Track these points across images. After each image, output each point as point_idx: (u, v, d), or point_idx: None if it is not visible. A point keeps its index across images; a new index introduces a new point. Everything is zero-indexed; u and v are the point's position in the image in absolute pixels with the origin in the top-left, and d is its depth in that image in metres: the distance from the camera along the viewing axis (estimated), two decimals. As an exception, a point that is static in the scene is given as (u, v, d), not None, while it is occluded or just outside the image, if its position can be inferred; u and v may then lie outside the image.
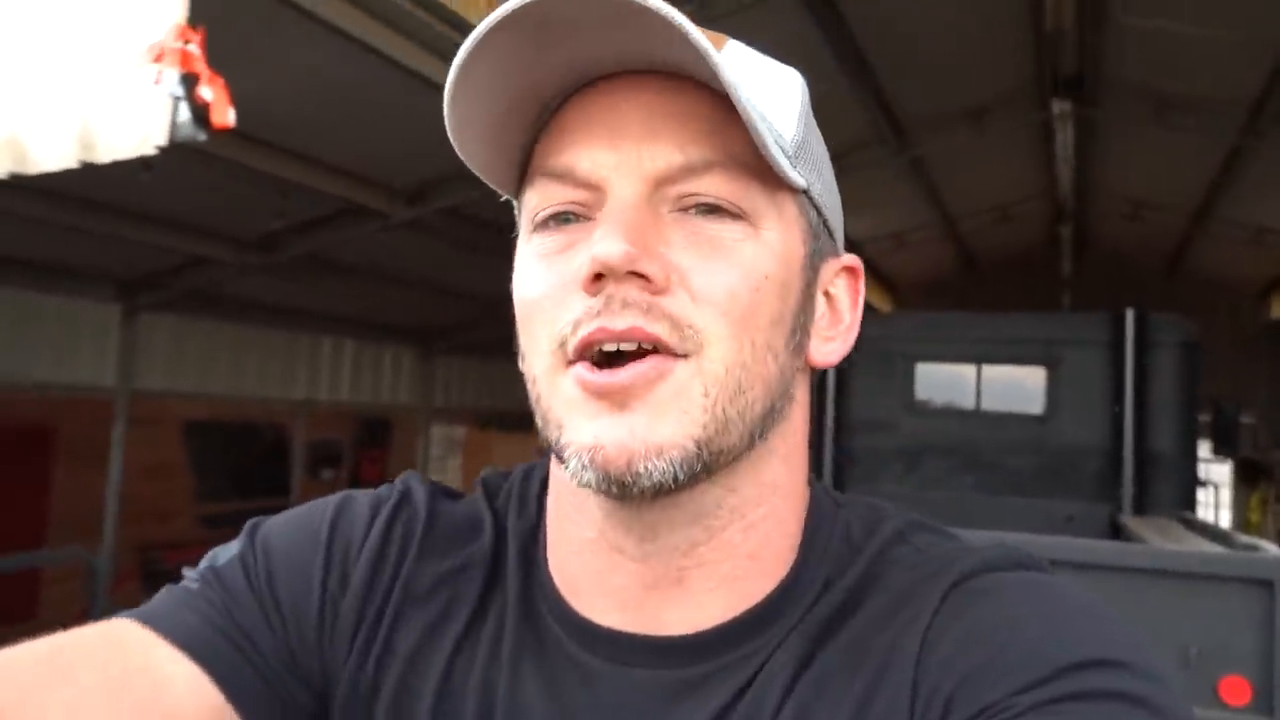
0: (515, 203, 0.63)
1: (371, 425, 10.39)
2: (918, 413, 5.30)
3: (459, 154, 0.59)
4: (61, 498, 7.15)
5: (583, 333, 0.54)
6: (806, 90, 0.64)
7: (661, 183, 0.55)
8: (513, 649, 0.62)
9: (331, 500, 0.69)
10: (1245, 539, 3.59)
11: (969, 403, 5.26)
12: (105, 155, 2.02)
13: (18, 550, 6.16)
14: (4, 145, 2.22)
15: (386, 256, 7.47)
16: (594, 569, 0.62)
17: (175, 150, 2.36)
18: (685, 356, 0.54)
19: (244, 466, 8.84)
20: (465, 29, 4.04)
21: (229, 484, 8.53)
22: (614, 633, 0.61)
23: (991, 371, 5.23)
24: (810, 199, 0.61)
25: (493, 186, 0.64)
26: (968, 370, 5.35)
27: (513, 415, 11.71)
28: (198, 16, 2.05)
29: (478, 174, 0.62)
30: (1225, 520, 11.29)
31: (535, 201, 0.59)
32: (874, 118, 7.03)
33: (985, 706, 0.51)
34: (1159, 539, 3.63)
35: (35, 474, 7.08)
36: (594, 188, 0.56)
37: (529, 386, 0.59)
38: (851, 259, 0.66)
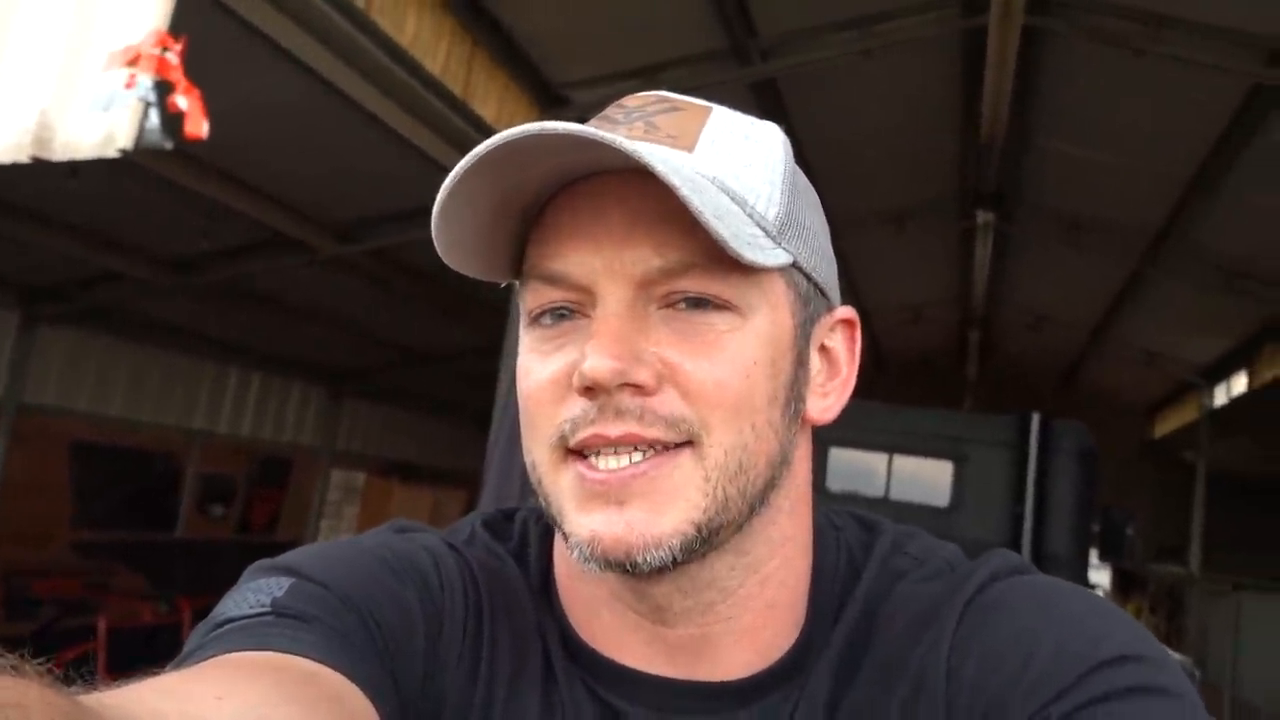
0: (516, 288, 0.64)
1: (268, 464, 10.04)
2: (827, 496, 5.38)
3: (453, 267, 0.61)
4: (-75, 511, 6.70)
5: (580, 435, 0.56)
6: (789, 148, 0.66)
7: (645, 284, 0.57)
8: (573, 701, 0.62)
9: (366, 539, 0.67)
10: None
11: (878, 491, 5.37)
12: (62, 153, 1.95)
13: None
14: (-55, 131, 2.13)
15: (306, 292, 7.34)
16: (617, 627, 0.63)
17: (103, 160, 2.29)
18: (685, 445, 0.56)
19: (130, 494, 8.42)
20: (419, 71, 4.05)
21: (110, 512, 8.11)
22: (650, 678, 0.62)
23: (902, 462, 5.37)
24: (799, 268, 0.62)
25: (491, 281, 0.65)
26: (878, 459, 5.48)
27: (414, 466, 11.48)
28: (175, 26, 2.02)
29: (473, 275, 0.63)
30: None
31: (532, 300, 0.60)
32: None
33: None
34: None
35: (-101, 483, 6.64)
36: (584, 289, 0.58)
37: (530, 470, 0.60)
38: (847, 311, 0.68)
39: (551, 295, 0.59)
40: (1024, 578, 0.63)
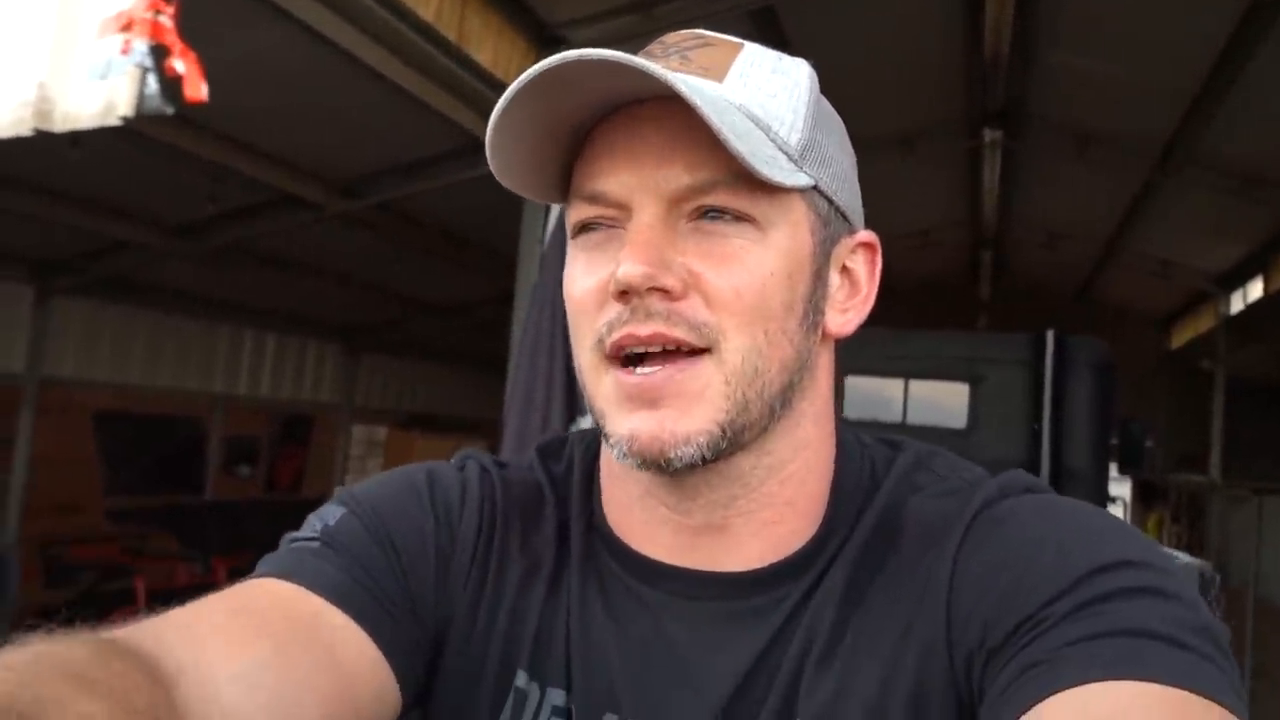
0: (565, 210, 0.71)
1: (290, 422, 10.15)
2: (846, 424, 5.40)
3: (508, 187, 0.67)
4: (-41, 487, 6.82)
5: (615, 336, 0.63)
6: (815, 81, 0.70)
7: (676, 200, 0.62)
8: (581, 592, 0.70)
9: (418, 469, 0.76)
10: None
11: (895, 417, 5.39)
12: (63, 124, 1.96)
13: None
14: (-55, 108, 2.12)
15: (316, 250, 7.34)
16: (645, 521, 0.70)
17: (104, 129, 2.29)
18: (705, 351, 0.62)
19: (156, 460, 8.55)
20: (410, 18, 3.99)
21: (139, 478, 8.24)
22: (673, 568, 0.68)
23: (918, 387, 5.38)
24: (819, 191, 0.66)
25: (542, 202, 0.70)
26: (894, 385, 5.49)
27: (435, 417, 11.57)
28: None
29: (527, 197, 0.70)
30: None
31: (575, 216, 0.67)
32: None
33: (1020, 621, 0.56)
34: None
35: (-69, 461, 6.76)
36: (621, 205, 0.64)
37: (578, 374, 0.68)
38: (868, 235, 0.73)
39: (592, 212, 0.65)
40: (1034, 495, 0.66)
